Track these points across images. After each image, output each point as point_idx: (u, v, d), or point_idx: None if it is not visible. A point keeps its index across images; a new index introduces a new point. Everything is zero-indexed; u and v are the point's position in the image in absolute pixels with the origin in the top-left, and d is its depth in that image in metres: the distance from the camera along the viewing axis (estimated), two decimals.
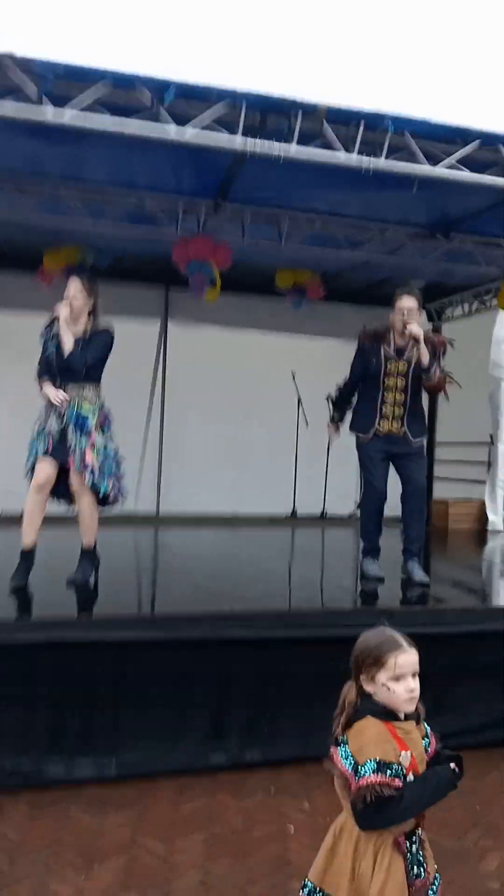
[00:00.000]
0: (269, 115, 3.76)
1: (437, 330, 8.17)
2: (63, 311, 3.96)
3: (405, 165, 3.95)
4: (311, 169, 4.26)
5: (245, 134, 3.76)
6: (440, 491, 8.33)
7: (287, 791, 3.13)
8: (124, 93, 3.60)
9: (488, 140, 3.94)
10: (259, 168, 4.55)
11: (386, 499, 4.48)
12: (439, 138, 3.94)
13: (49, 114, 3.52)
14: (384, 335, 4.40)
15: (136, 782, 3.16)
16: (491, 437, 7.79)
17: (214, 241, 5.66)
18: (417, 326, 4.26)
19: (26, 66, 3.37)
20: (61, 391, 3.92)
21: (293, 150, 3.79)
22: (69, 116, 3.54)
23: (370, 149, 3.91)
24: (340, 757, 1.68)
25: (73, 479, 3.90)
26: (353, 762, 1.66)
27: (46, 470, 3.86)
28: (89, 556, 4.09)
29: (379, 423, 4.36)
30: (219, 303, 6.47)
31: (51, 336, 3.99)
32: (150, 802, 3.01)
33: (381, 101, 3.81)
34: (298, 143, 3.79)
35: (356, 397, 4.59)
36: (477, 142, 3.92)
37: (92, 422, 3.93)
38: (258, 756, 3.37)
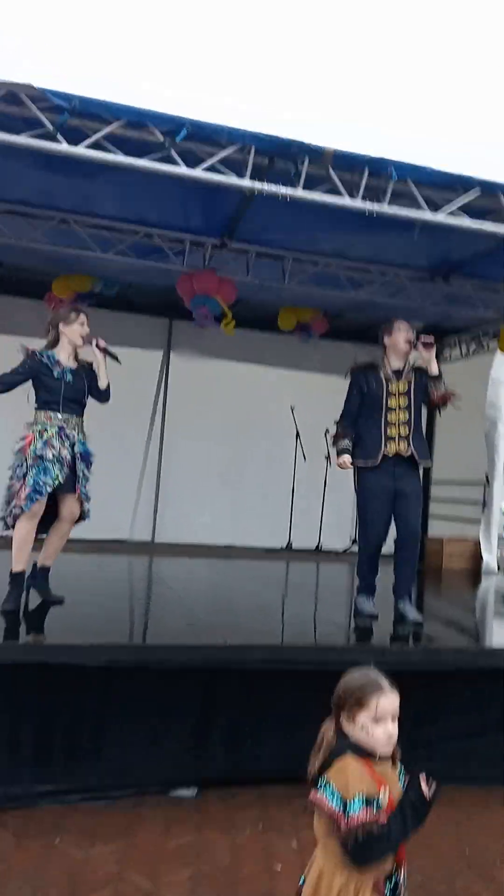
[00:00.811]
0: (277, 159, 3.89)
1: None
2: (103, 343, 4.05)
3: (408, 211, 4.07)
4: (315, 212, 4.39)
5: (253, 177, 3.88)
6: (435, 529, 8.36)
7: (275, 828, 3.11)
8: (137, 132, 3.73)
9: (488, 188, 4.07)
10: (265, 210, 4.69)
11: (385, 540, 4.45)
12: (441, 186, 4.07)
13: (64, 146, 3.65)
14: (376, 364, 4.47)
15: (124, 814, 3.14)
16: (486, 476, 7.84)
17: (219, 275, 5.78)
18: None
19: (43, 98, 3.49)
20: None
21: (299, 192, 3.91)
22: (84, 149, 3.67)
23: (374, 194, 4.04)
24: (327, 798, 1.67)
25: (73, 508, 3.97)
26: (340, 799, 1.66)
27: (44, 501, 3.86)
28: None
29: (386, 446, 4.33)
30: (221, 336, 6.57)
31: (54, 362, 3.96)
32: (138, 836, 2.98)
33: (386, 149, 3.96)
34: (304, 187, 3.91)
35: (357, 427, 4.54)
36: (477, 189, 4.05)
37: (91, 456, 4.05)
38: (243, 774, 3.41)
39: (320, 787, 1.71)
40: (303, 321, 7.09)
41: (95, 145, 3.71)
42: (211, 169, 3.85)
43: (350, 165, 3.94)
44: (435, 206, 4.11)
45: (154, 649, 3.50)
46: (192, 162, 3.83)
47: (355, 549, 4.74)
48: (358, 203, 3.99)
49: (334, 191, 3.98)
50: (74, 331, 3.98)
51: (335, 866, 1.70)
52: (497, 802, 3.54)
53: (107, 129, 3.68)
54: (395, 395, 4.38)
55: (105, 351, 4.06)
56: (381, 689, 1.76)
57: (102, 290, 6.70)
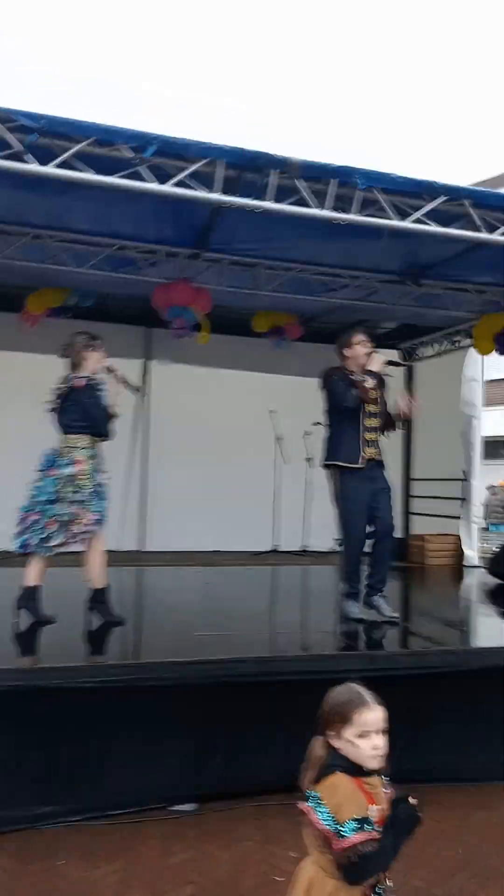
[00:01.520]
0: (246, 172, 3.91)
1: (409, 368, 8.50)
2: None
3: (376, 220, 4.11)
4: (285, 221, 4.43)
5: (223, 190, 3.90)
6: (417, 526, 8.45)
7: (275, 838, 3.14)
8: (106, 149, 3.73)
9: (453, 195, 4.13)
10: (236, 220, 4.70)
11: (367, 540, 4.54)
12: (407, 193, 4.12)
13: (34, 166, 3.63)
14: (345, 371, 4.53)
15: (124, 832, 3.16)
16: (464, 472, 7.94)
17: (195, 286, 5.79)
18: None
19: (11, 119, 3.48)
20: None
21: (269, 204, 3.94)
22: (53, 168, 3.65)
23: (342, 203, 4.07)
24: (319, 816, 1.71)
25: None
26: (332, 821, 1.68)
27: None
28: None
29: (363, 450, 4.43)
30: (199, 343, 6.59)
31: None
32: (139, 853, 3.00)
33: (354, 159, 3.99)
34: (275, 198, 3.93)
35: (330, 432, 4.60)
36: (442, 197, 4.11)
37: None
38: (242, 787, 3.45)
39: (311, 801, 1.74)
40: (277, 325, 7.12)
41: (65, 164, 3.70)
42: (181, 184, 3.86)
43: (317, 175, 3.97)
44: (403, 214, 4.16)
45: (147, 667, 3.51)
46: (162, 177, 3.84)
47: (339, 548, 4.80)
48: (327, 213, 4.02)
49: (303, 201, 4.01)
50: (98, 358, 4.24)
51: (325, 875, 1.73)
52: (490, 801, 3.60)
53: (76, 148, 3.67)
54: (370, 401, 4.45)
55: (125, 382, 4.32)
56: (365, 703, 1.78)
57: (78, 302, 6.68)
